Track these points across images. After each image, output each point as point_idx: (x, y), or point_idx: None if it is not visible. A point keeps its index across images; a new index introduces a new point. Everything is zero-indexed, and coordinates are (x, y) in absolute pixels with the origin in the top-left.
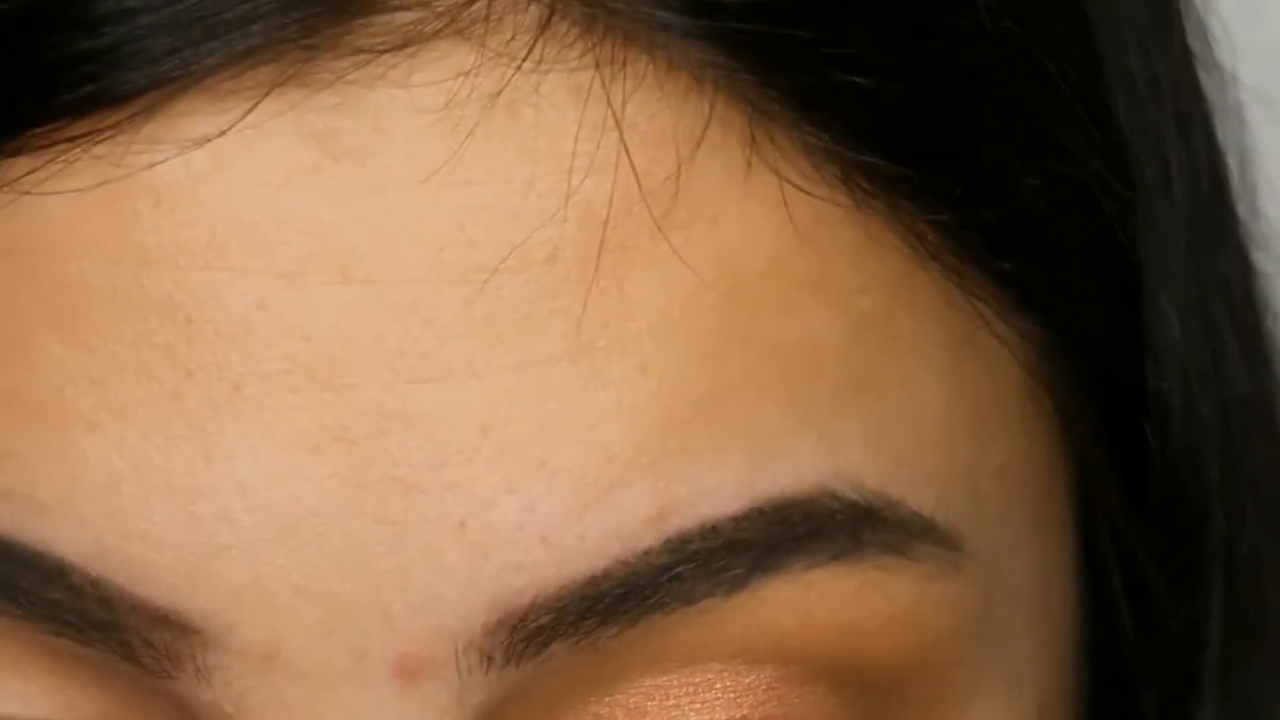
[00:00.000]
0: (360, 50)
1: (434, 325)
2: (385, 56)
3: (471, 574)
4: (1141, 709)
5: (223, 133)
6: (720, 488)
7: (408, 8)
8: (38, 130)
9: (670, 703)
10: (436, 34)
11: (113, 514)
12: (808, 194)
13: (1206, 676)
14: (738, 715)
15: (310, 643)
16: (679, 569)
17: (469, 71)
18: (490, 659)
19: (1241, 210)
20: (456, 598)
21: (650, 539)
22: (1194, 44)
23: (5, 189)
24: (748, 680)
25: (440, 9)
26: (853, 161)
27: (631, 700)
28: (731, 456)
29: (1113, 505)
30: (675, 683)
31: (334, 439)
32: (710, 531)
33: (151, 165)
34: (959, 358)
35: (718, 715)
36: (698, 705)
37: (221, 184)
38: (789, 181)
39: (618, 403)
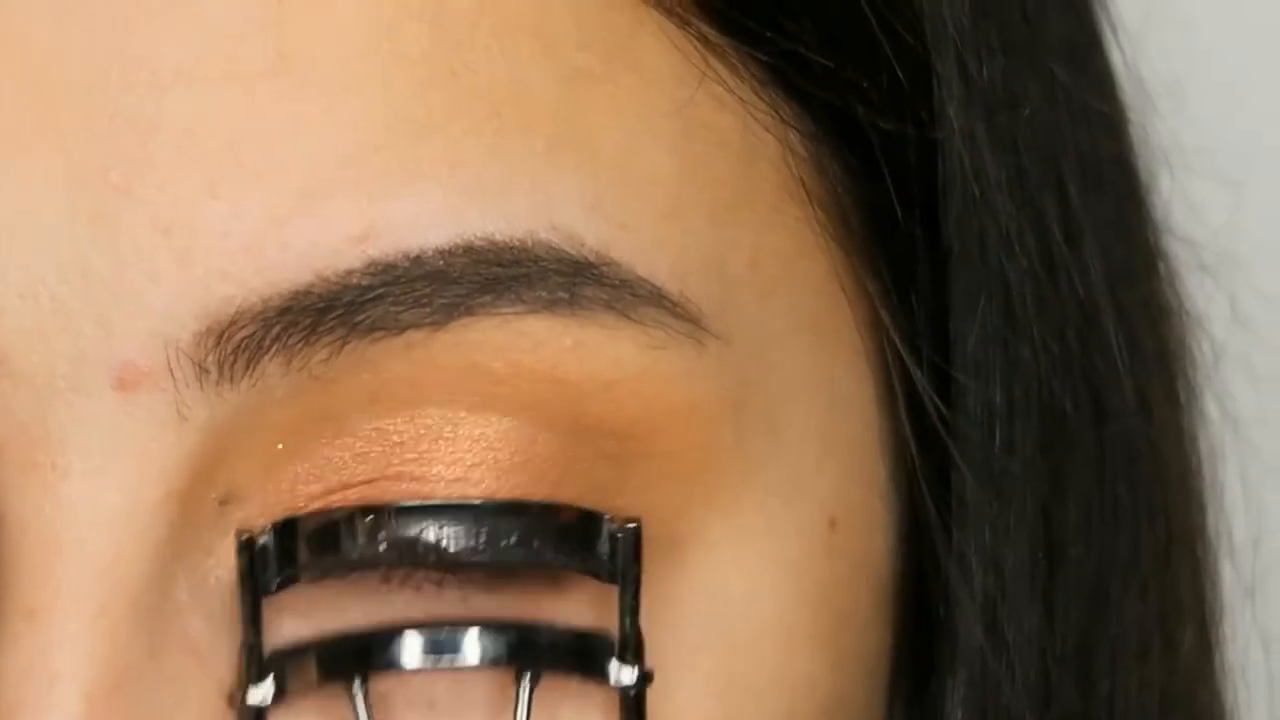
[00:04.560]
0: None
1: (146, 34)
2: None
3: (180, 280)
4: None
5: None
6: (426, 218)
7: None
8: None
9: (397, 441)
10: None
11: None
12: None
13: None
14: (472, 459)
15: (33, 346)
16: (382, 291)
17: None
18: (204, 370)
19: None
20: (167, 304)
21: (353, 259)
22: None
23: None
24: (474, 426)
25: None
26: None
27: (359, 444)
28: (437, 188)
29: (894, 336)
30: (401, 425)
31: (48, 139)
32: (414, 260)
33: None
34: (692, 133)
35: (453, 457)
36: (424, 447)
37: None
38: None
39: (322, 117)
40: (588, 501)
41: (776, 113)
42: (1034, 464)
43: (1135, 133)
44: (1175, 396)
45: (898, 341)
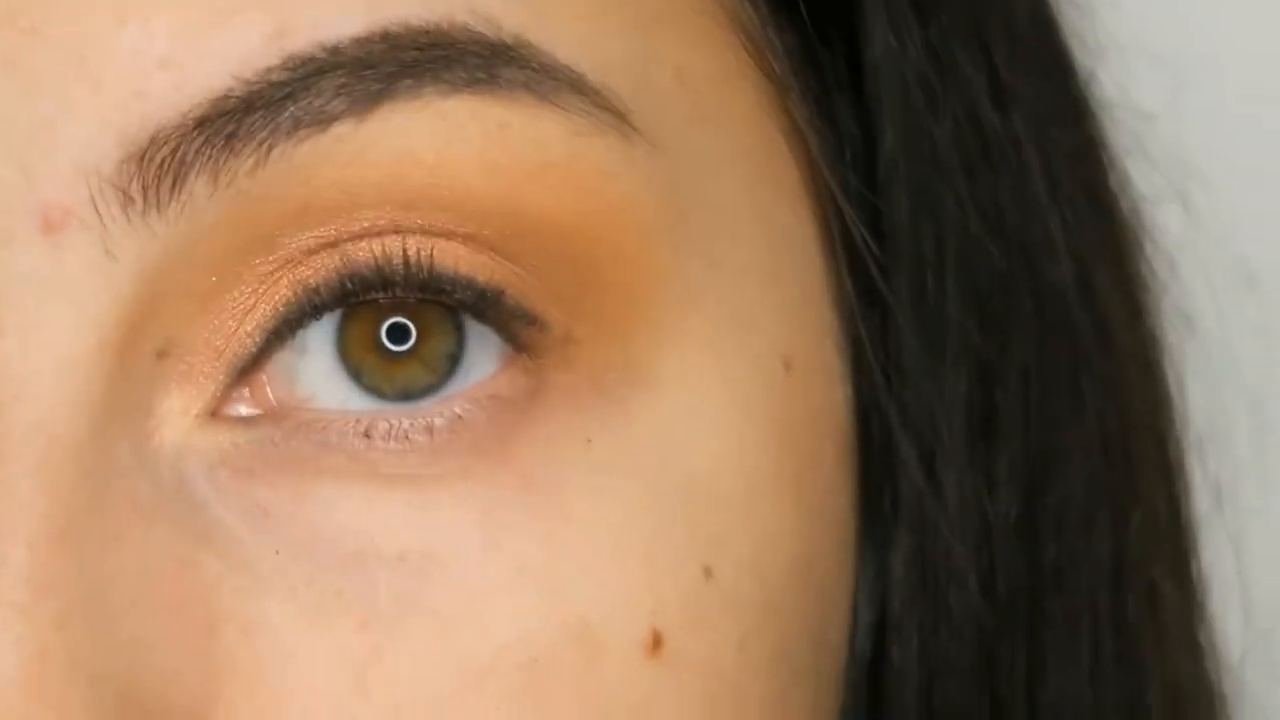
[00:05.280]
0: None
1: None
2: None
3: (95, 108)
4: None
5: None
6: (340, 10)
7: None
8: None
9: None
10: None
11: None
12: None
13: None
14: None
15: None
16: (302, 85)
17: None
18: (130, 199)
19: None
20: (84, 134)
21: (270, 57)
22: None
23: None
24: (403, 239)
25: None
26: None
27: (296, 269)
28: None
29: (829, 179)
30: (333, 234)
31: None
32: (332, 50)
33: None
34: None
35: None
36: (352, 248)
37: None
38: None
39: None
40: (540, 309)
41: None
42: (967, 321)
43: (1069, 25)
44: (1127, 287)
45: (831, 184)
